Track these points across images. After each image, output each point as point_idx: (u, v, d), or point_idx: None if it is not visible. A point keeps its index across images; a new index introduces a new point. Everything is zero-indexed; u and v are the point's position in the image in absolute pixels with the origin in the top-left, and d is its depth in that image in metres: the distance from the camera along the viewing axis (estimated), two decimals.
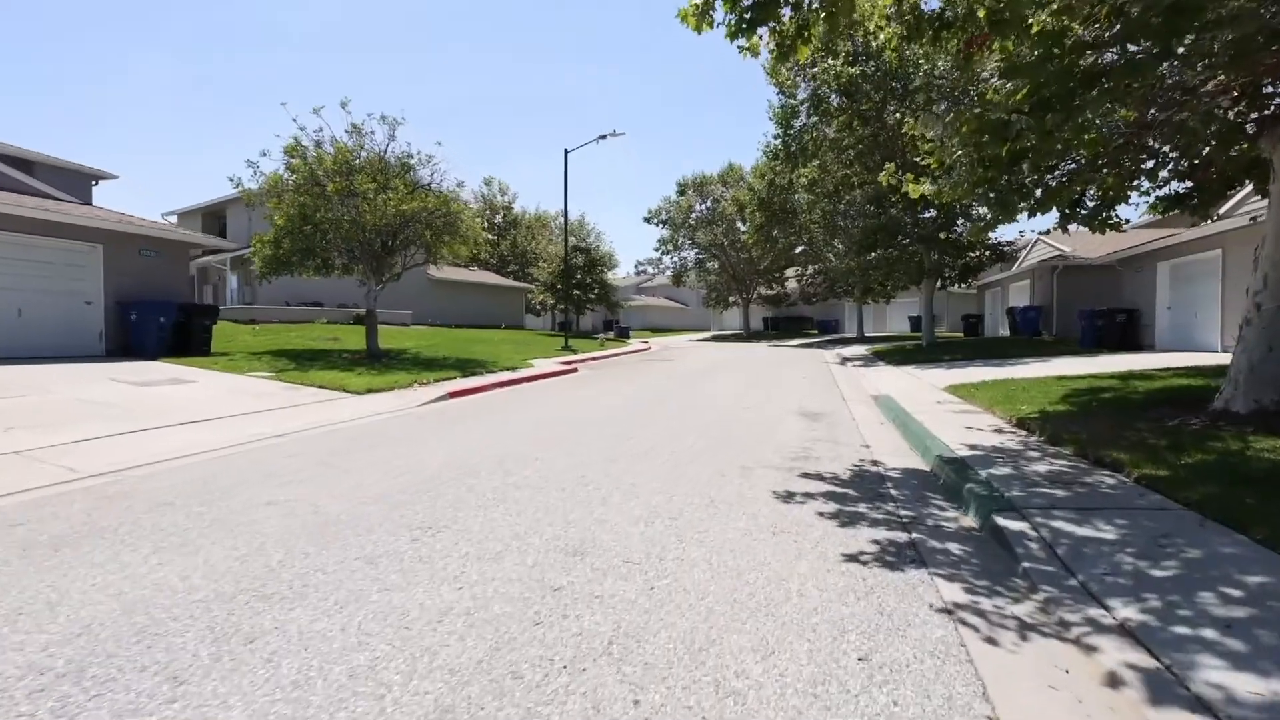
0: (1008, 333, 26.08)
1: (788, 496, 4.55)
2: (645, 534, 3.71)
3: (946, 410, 8.19)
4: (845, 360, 18.89)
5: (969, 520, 4.11)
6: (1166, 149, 6.21)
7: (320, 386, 10.73)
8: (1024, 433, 6.47)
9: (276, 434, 7.23)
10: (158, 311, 12.85)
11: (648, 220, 42.66)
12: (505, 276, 46.27)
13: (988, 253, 21.72)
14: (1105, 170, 6.35)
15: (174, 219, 30.96)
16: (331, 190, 14.00)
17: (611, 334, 38.01)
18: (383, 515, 4.06)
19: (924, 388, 10.99)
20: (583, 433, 7.04)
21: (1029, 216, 7.47)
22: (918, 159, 7.55)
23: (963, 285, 24.02)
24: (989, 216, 7.11)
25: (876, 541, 3.64)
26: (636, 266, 47.87)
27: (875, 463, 5.67)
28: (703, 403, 9.68)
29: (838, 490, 4.73)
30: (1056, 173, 6.51)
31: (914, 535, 3.76)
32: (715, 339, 39.02)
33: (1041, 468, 4.88)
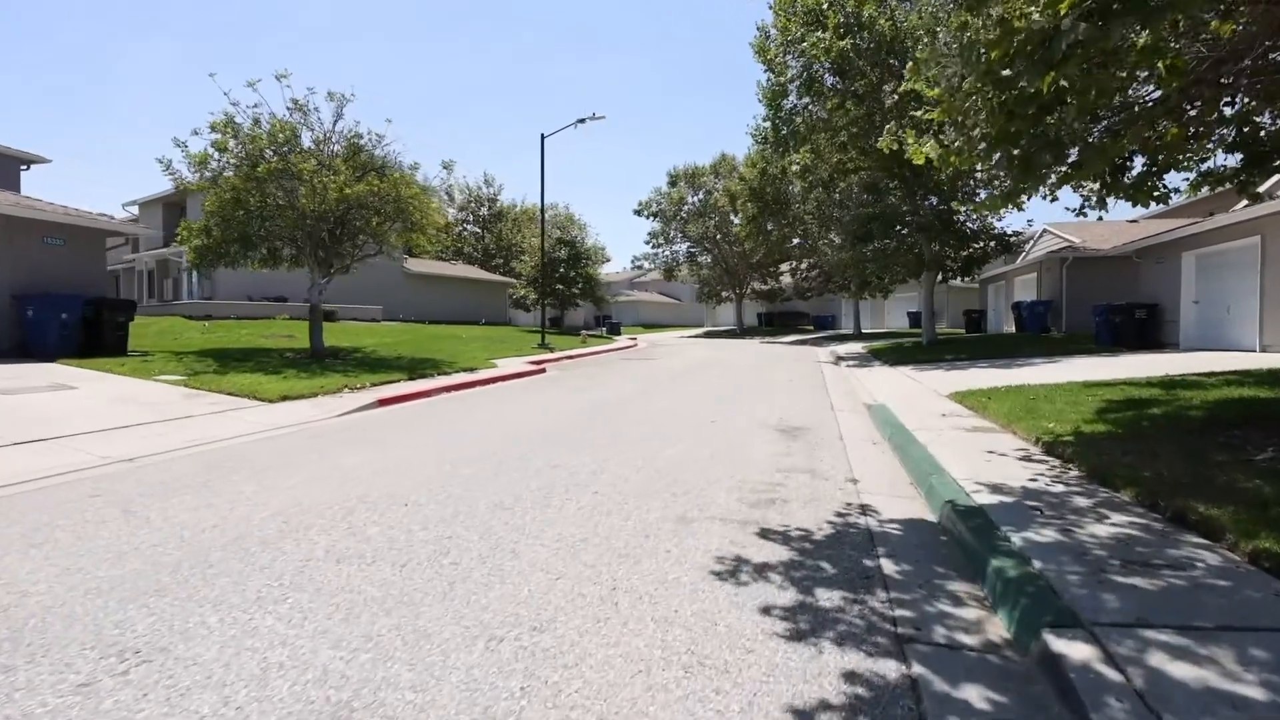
0: (1013, 329, 24.62)
1: (731, 575, 3.10)
2: (474, 672, 2.25)
3: (954, 426, 6.73)
4: (839, 359, 17.42)
5: (998, 626, 2.67)
6: (1247, 100, 4.72)
7: (229, 393, 9.28)
8: (1057, 462, 5.01)
9: (125, 458, 5.81)
10: (59, 307, 11.36)
11: (638, 213, 40.91)
12: (490, 270, 44.67)
13: (992, 243, 20.15)
14: (1163, 123, 4.88)
15: (135, 209, 29.43)
16: (262, 171, 12.50)
17: (601, 330, 36.47)
18: (94, 617, 2.61)
19: (926, 394, 9.53)
20: (500, 458, 5.58)
21: (1048, 197, 5.97)
22: (923, 117, 6.09)
23: (965, 279, 22.42)
24: (1008, 185, 5.61)
25: (854, 683, 2.20)
26: (633, 261, 46.40)
27: (864, 509, 4.21)
28: (666, 414, 8.22)
29: (807, 564, 3.27)
30: (1099, 127, 5.04)
31: (915, 669, 2.30)
32: (707, 335, 37.54)
33: (1100, 529, 3.41)
